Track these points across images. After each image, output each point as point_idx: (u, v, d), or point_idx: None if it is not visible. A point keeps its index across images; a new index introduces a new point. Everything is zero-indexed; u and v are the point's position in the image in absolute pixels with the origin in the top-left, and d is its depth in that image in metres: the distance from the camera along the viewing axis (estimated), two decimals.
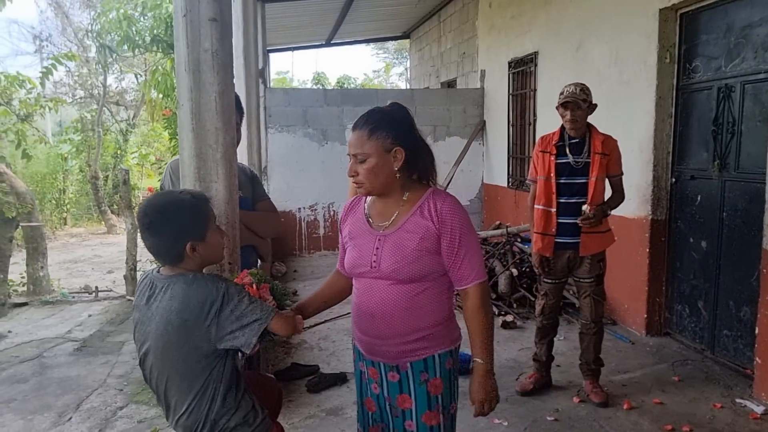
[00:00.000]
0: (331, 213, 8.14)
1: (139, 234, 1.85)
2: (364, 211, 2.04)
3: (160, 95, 9.60)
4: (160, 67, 9.58)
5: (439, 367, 1.95)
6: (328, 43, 13.30)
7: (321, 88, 18.39)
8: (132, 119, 16.94)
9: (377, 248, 1.93)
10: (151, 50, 9.53)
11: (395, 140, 1.90)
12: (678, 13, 4.42)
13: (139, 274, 7.79)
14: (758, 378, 3.64)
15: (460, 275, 1.93)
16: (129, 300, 6.27)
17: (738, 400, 3.61)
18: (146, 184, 16.20)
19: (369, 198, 2.05)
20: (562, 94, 3.49)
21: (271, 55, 13.79)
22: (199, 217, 1.88)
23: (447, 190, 7.40)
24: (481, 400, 1.94)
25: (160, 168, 8.55)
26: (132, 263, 7.91)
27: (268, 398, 2.20)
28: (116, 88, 17.39)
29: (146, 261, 7.70)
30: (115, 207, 15.44)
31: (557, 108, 3.53)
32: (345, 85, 21.42)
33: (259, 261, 2.86)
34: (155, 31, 8.90)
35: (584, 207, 3.43)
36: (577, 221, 3.43)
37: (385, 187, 1.93)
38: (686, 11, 4.37)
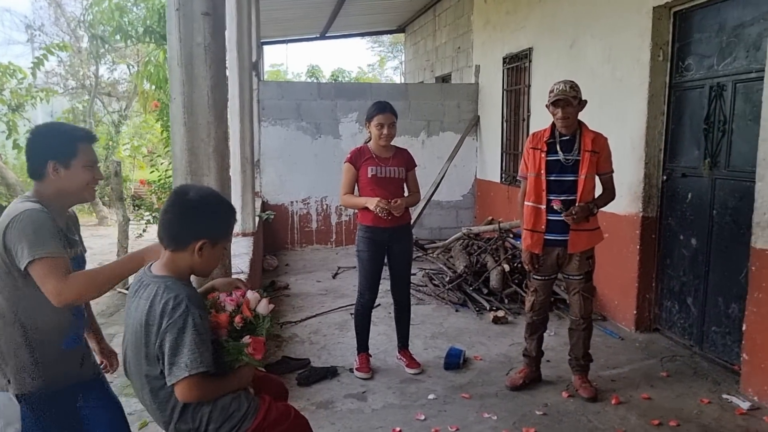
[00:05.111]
0: (324, 207, 8.13)
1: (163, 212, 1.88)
2: None
3: (153, 87, 9.53)
4: (152, 59, 9.50)
5: None
6: (323, 36, 13.26)
7: (315, 81, 18.34)
8: (124, 110, 16.85)
9: None
10: (143, 41, 9.46)
11: None
12: (671, 11, 4.44)
13: None
14: (745, 374, 3.68)
15: None
16: (119, 292, 6.26)
17: (725, 396, 3.65)
18: (138, 176, 16.14)
19: None
20: (551, 92, 3.49)
21: (266, 48, 13.73)
22: (228, 224, 1.98)
23: (440, 186, 7.38)
24: None
25: (152, 160, 8.50)
26: (123, 255, 7.87)
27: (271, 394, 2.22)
28: (108, 79, 17.29)
29: None
30: (107, 199, 15.38)
31: (547, 106, 3.54)
32: (339, 79, 21.36)
33: None
34: (148, 22, 8.83)
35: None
36: (562, 216, 3.45)
37: None
38: (679, 9, 4.38)
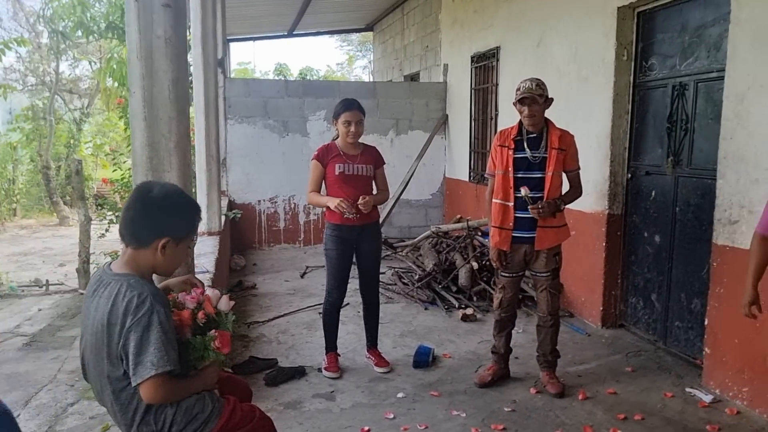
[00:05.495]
0: (292, 206, 8.06)
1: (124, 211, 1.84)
2: None
3: (116, 83, 9.35)
4: (115, 55, 9.32)
5: None
6: (291, 34, 13.15)
7: (282, 79, 18.18)
8: (86, 108, 16.49)
9: None
10: (106, 37, 9.27)
11: None
12: (635, 11, 4.50)
13: (92, 267, 7.59)
14: (707, 368, 3.75)
15: None
16: (81, 293, 6.11)
17: (688, 390, 3.72)
18: (100, 174, 15.83)
19: None
20: (518, 90, 3.51)
21: (233, 46, 13.56)
22: (192, 222, 1.93)
23: (409, 184, 7.36)
24: None
25: (115, 158, 8.32)
26: (85, 256, 7.72)
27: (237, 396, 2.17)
28: (69, 75, 16.91)
29: (100, 254, 7.50)
30: (68, 198, 15.05)
31: (514, 104, 3.55)
32: (307, 77, 21.23)
33: None
34: (110, 18, 8.64)
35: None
36: (529, 209, 3.46)
37: None
38: (643, 10, 4.45)
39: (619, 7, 4.47)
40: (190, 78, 5.02)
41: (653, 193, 4.44)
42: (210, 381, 1.96)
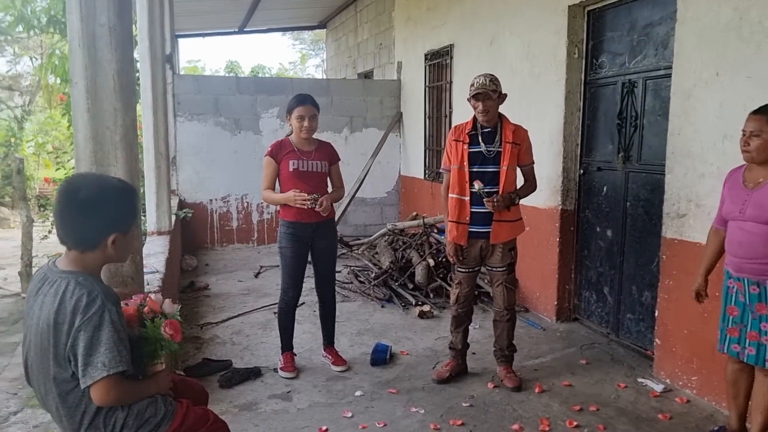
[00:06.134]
0: (245, 205, 7.91)
1: (55, 211, 1.71)
2: (743, 174, 2.80)
3: (58, 80, 8.99)
4: (57, 51, 8.97)
5: None
6: (241, 31, 12.92)
7: (233, 75, 17.87)
8: (27, 105, 15.86)
9: (744, 201, 2.72)
10: (47, 32, 8.91)
11: None
12: (585, 10, 4.57)
13: (35, 270, 7.28)
14: (658, 358, 3.84)
15: None
16: (23, 298, 5.84)
17: (640, 380, 3.80)
18: (43, 174, 15.24)
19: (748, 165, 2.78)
20: (472, 86, 3.51)
21: (182, 43, 13.24)
22: (134, 208, 1.84)
23: (364, 182, 7.31)
24: None
25: (58, 157, 8.00)
26: (27, 259, 7.41)
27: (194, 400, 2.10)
28: (9, 72, 16.25)
29: (43, 256, 7.20)
30: (9, 199, 14.42)
31: (469, 100, 3.56)
32: (259, 75, 20.94)
33: None
34: (52, 12, 8.31)
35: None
36: (484, 202, 3.47)
37: (764, 159, 2.68)
38: (593, 8, 4.52)
39: (569, 6, 4.54)
40: (137, 74, 4.86)
41: (605, 189, 4.52)
42: (163, 384, 1.89)
